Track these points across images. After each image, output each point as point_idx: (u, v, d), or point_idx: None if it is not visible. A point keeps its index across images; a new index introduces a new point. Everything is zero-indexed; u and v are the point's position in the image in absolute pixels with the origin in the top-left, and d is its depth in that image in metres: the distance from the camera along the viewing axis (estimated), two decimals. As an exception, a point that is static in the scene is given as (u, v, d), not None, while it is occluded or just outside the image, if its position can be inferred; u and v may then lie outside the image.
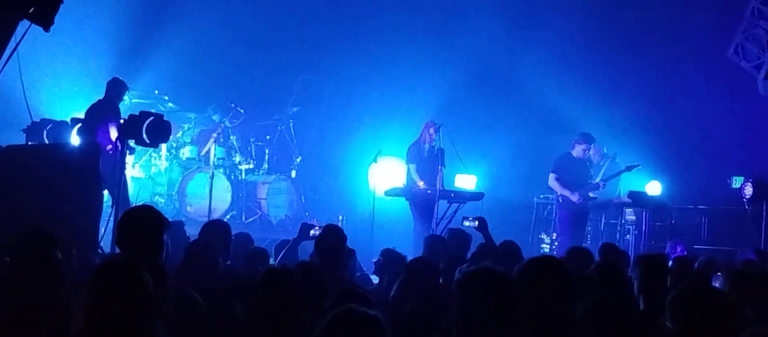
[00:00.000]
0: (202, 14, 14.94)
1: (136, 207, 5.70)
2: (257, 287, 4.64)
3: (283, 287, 4.58)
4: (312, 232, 7.96)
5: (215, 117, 14.07)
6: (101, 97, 11.42)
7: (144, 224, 5.03)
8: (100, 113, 10.95)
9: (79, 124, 10.26)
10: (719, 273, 7.42)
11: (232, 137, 13.91)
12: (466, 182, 13.44)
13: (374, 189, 12.96)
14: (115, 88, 11.49)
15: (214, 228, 7.41)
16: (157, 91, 13.81)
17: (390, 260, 7.15)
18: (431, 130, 12.63)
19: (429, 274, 5.90)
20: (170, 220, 6.75)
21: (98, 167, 8.93)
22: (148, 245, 4.91)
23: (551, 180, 13.05)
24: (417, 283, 5.73)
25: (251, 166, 14.06)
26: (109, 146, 10.24)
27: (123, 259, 4.60)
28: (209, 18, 15.01)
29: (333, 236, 6.85)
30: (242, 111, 14.02)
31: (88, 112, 11.12)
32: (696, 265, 8.58)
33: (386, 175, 13.48)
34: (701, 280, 6.94)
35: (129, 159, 12.06)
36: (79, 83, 13.96)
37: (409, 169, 12.79)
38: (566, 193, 12.85)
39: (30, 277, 4.53)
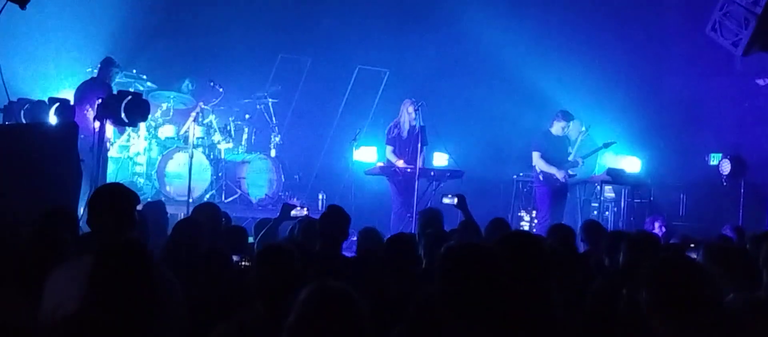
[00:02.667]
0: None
1: (104, 185, 5.67)
2: (257, 264, 4.65)
3: (282, 265, 4.59)
4: (293, 212, 7.97)
5: (185, 87, 14.03)
6: (83, 77, 11.59)
7: (112, 202, 4.98)
8: (88, 91, 11.11)
9: (57, 104, 10.19)
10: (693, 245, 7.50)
11: (210, 116, 13.85)
12: (444, 160, 13.52)
13: (356, 164, 13.08)
14: (105, 68, 12.01)
15: (203, 211, 7.48)
16: (134, 70, 13.71)
17: (366, 237, 7.18)
18: (410, 109, 12.66)
19: (409, 250, 5.92)
20: (151, 200, 6.73)
21: (76, 146, 8.89)
22: (117, 222, 4.87)
23: (535, 158, 13.07)
24: (397, 260, 5.74)
25: (231, 145, 14.00)
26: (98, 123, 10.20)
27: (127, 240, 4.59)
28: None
29: (336, 216, 6.84)
30: (221, 90, 13.95)
31: (76, 90, 11.38)
32: (671, 241, 8.68)
33: (366, 154, 13.53)
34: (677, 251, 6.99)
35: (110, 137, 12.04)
36: (57, 63, 13.85)
37: (386, 150, 12.85)
38: (552, 170, 12.89)
39: (48, 254, 4.50)
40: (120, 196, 5.03)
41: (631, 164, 14.62)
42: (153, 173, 13.14)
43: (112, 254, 3.77)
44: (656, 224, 11.84)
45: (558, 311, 3.89)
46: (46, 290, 4.22)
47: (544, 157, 12.97)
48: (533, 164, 13.20)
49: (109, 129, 12.03)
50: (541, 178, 13.04)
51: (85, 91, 11.56)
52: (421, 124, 12.68)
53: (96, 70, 12.50)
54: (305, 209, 8.02)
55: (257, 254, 4.78)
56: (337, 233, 6.60)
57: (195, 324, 4.68)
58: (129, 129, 12.79)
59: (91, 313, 3.61)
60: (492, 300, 3.36)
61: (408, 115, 12.66)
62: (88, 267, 3.83)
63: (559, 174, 12.88)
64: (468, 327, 3.36)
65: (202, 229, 6.38)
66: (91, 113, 10.64)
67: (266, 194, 13.93)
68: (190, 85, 14.14)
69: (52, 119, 9.70)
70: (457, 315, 3.40)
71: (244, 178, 13.79)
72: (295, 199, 13.76)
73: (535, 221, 13.60)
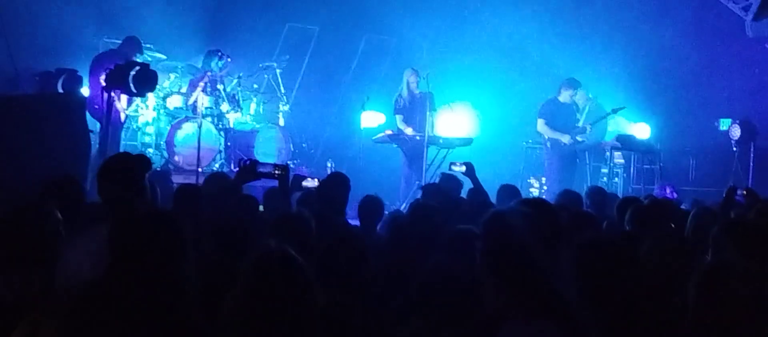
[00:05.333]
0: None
1: (113, 155, 5.66)
2: (273, 232, 4.66)
3: (298, 233, 4.61)
4: (304, 183, 7.93)
5: (214, 65, 13.97)
6: (91, 47, 11.55)
7: (121, 171, 4.97)
8: (105, 62, 11.13)
9: (65, 74, 10.20)
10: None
11: (219, 86, 13.82)
12: (456, 124, 13.51)
13: (364, 132, 13.10)
14: (128, 46, 12.20)
15: (215, 180, 7.50)
16: (142, 41, 13.69)
17: (369, 205, 7.21)
18: (411, 78, 12.72)
19: (432, 219, 5.94)
20: (158, 169, 6.72)
21: (84, 117, 8.90)
22: (127, 191, 4.86)
23: (540, 125, 13.16)
24: (420, 228, 5.78)
25: (239, 115, 13.98)
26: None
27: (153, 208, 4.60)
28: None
29: (334, 182, 6.91)
30: (229, 59, 13.91)
31: (94, 60, 11.41)
32: (682, 206, 8.69)
33: (374, 119, 13.54)
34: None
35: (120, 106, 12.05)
36: (64, 34, 13.80)
37: (396, 120, 12.88)
38: (557, 135, 12.97)
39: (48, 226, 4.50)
40: (129, 165, 5.02)
41: (641, 130, 14.58)
42: (162, 143, 13.14)
43: (139, 223, 3.77)
44: (668, 190, 11.85)
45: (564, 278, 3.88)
46: (62, 260, 4.23)
47: (549, 124, 13.04)
48: (539, 131, 13.27)
49: (125, 100, 12.08)
50: (548, 145, 13.14)
51: (102, 62, 11.53)
52: (429, 91, 12.70)
53: (113, 43, 12.59)
54: (316, 180, 7.99)
55: (273, 221, 4.80)
56: (338, 203, 6.64)
57: (207, 290, 4.68)
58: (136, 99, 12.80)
59: (113, 280, 3.61)
60: (509, 267, 3.35)
61: (409, 84, 12.71)
62: (103, 236, 3.82)
63: (563, 138, 12.95)
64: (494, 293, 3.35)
65: (202, 195, 6.40)
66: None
67: (275, 163, 13.92)
68: (219, 63, 13.97)
69: (60, 90, 9.71)
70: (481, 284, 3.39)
71: (252, 147, 13.78)
72: (304, 168, 13.76)
73: (545, 187, 13.63)
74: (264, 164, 6.66)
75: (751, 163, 12.90)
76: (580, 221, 5.89)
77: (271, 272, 3.52)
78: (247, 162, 6.54)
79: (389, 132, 12.85)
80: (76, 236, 4.38)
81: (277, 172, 6.50)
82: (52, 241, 4.26)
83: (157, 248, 3.67)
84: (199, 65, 13.86)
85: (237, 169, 13.23)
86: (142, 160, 5.09)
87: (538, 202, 4.16)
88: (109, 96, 9.36)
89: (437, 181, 9.69)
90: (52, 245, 4.21)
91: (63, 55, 13.01)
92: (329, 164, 14.31)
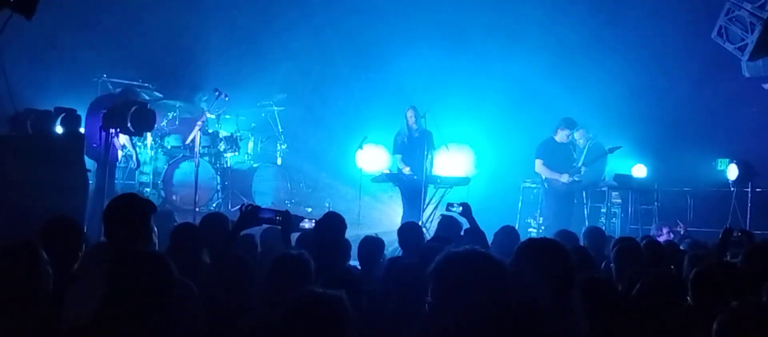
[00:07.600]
0: (184, 2, 14.86)
1: (119, 196, 5.67)
2: (271, 272, 4.65)
3: (297, 273, 4.60)
4: (302, 223, 7.91)
5: (203, 105, 14.03)
6: (90, 86, 11.54)
7: (126, 213, 4.97)
8: (107, 103, 11.13)
9: (63, 114, 10.19)
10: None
11: (216, 125, 13.85)
12: (454, 163, 13.50)
13: (362, 172, 13.08)
14: (126, 94, 11.90)
15: (213, 220, 7.47)
16: (140, 81, 13.75)
17: (369, 246, 7.19)
18: (410, 115, 12.67)
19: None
20: (158, 210, 6.67)
21: (82, 156, 8.90)
22: (132, 233, 4.86)
23: (538, 166, 13.18)
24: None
25: (236, 153, 14.00)
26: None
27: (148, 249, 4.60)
28: (192, 5, 14.94)
29: (330, 222, 6.90)
30: (226, 98, 13.96)
31: (95, 100, 11.40)
32: (682, 246, 8.67)
33: (372, 161, 13.52)
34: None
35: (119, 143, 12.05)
36: (63, 73, 13.86)
37: (395, 159, 12.87)
38: (555, 175, 13.02)
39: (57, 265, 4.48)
40: (134, 207, 5.03)
41: (638, 170, 14.60)
42: (159, 182, 13.13)
43: (132, 265, 3.77)
44: (665, 230, 11.82)
45: (580, 321, 3.79)
46: (68, 299, 4.23)
47: (547, 164, 13.07)
48: (536, 171, 13.30)
49: (123, 138, 12.08)
50: (546, 185, 13.19)
51: (100, 103, 11.53)
52: (427, 130, 12.69)
53: (111, 82, 12.60)
54: (313, 220, 7.98)
55: (272, 262, 4.81)
56: (334, 243, 6.62)
57: (210, 328, 4.67)
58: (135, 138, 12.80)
59: (106, 319, 3.62)
60: (495, 312, 3.19)
61: (409, 122, 12.70)
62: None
63: (562, 178, 12.98)
64: None
65: (198, 233, 6.39)
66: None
67: (272, 202, 13.93)
68: (203, 98, 14.10)
69: (58, 129, 9.69)
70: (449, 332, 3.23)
71: (250, 186, 13.79)
72: (307, 208, 13.76)
73: (542, 227, 13.62)
74: (265, 210, 6.61)
75: (749, 204, 12.87)
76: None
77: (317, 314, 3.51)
78: (248, 207, 6.51)
79: (387, 171, 12.85)
80: (81, 276, 4.39)
81: (278, 218, 6.47)
82: (42, 284, 4.19)
83: (148, 287, 3.67)
84: (204, 100, 13.94)
85: (235, 209, 13.29)
86: (148, 204, 5.11)
87: (549, 245, 4.02)
88: (108, 135, 9.37)
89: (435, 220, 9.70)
90: (41, 289, 4.14)
91: (62, 94, 13.04)
92: (327, 204, 14.30)
